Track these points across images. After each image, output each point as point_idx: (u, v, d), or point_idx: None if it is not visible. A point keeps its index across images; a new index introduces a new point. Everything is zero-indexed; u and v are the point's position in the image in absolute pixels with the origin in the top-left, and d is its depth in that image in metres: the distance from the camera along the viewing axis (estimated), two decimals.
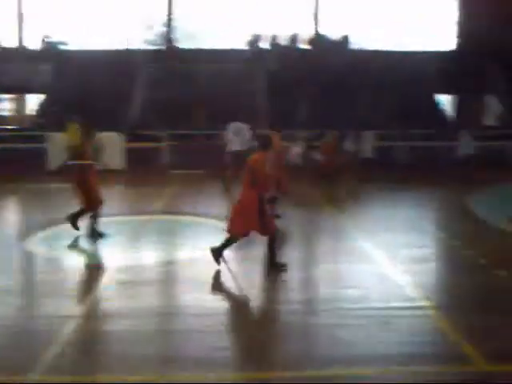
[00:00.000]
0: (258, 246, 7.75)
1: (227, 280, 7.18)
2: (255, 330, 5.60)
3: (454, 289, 7.11)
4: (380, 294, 6.60)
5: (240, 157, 12.88)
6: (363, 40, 22.65)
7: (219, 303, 6.31)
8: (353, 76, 20.56)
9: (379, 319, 5.76)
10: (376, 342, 5.24)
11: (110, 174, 16.15)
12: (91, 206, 9.02)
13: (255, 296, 6.65)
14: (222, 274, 7.34)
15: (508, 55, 20.73)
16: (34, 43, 23.55)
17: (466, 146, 16.58)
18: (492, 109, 22.62)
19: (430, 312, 6.02)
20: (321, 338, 5.45)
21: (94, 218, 9.07)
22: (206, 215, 11.00)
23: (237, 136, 13.19)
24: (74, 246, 8.77)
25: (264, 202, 7.28)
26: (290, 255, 8.32)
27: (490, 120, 23.04)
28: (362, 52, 22.16)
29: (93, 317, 5.93)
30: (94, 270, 7.66)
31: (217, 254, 7.43)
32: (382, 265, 7.86)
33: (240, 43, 22.52)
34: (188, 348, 5.15)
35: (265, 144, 7.47)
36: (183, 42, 23.17)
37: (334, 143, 15.42)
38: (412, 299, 6.41)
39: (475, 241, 9.21)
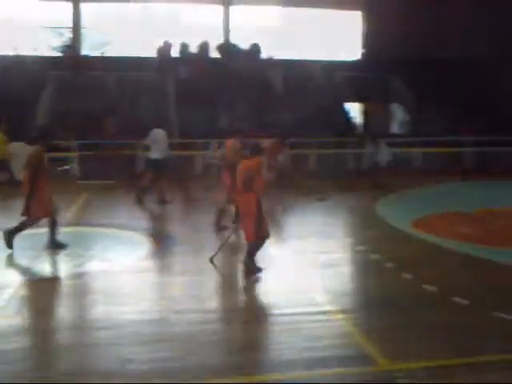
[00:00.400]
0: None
1: (140, 291, 7.10)
2: (167, 340, 5.53)
3: (360, 292, 7.34)
4: (288, 299, 6.71)
5: (159, 164, 12.78)
6: (272, 49, 22.94)
7: (130, 315, 6.18)
8: (263, 84, 20.83)
9: (287, 325, 5.85)
10: (283, 347, 5.31)
11: (17, 185, 15.62)
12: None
13: (165, 306, 6.60)
14: (133, 286, 7.26)
15: (408, 68, 21.71)
16: None
17: (385, 152, 16.98)
18: (397, 117, 23.50)
19: (337, 316, 6.17)
20: (226, 345, 5.47)
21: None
22: (116, 226, 10.83)
23: (155, 144, 12.97)
24: None
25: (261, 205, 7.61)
26: (202, 262, 8.34)
27: (395, 127, 23.92)
28: (272, 61, 22.47)
29: None
30: None
31: (252, 266, 7.57)
32: (290, 270, 8.00)
33: (150, 52, 22.26)
34: (97, 361, 5.05)
35: (257, 150, 7.91)
36: (92, 50, 22.70)
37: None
38: (319, 304, 6.55)
39: (382, 245, 9.53)
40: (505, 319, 6.01)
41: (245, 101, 20.00)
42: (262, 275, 7.60)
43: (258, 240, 7.61)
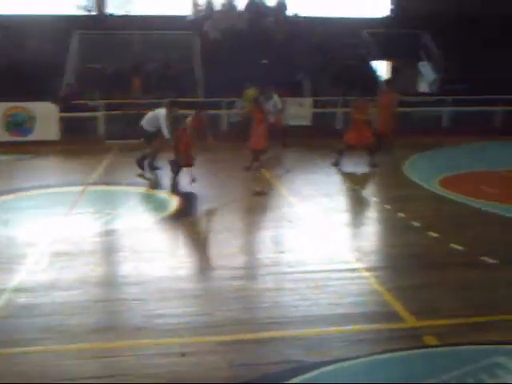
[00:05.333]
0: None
1: (165, 248, 7.20)
2: (194, 296, 5.62)
3: (387, 251, 7.34)
4: (315, 257, 6.74)
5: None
6: (299, 6, 22.52)
7: (158, 271, 6.27)
8: (290, 42, 20.54)
9: (315, 282, 5.89)
10: (311, 304, 5.36)
11: (44, 145, 15.80)
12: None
13: (193, 263, 6.69)
14: (160, 243, 7.36)
15: (439, 24, 21.17)
16: None
17: None
18: (425, 75, 23.03)
19: (363, 274, 6.19)
20: (258, 302, 5.53)
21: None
22: (143, 185, 10.93)
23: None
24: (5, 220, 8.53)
25: None
26: (228, 220, 8.41)
27: (423, 86, 23.48)
28: (299, 18, 22.10)
29: (27, 289, 5.79)
30: (29, 240, 7.46)
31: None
32: (316, 229, 8.02)
33: (175, 10, 22.03)
34: (126, 316, 5.15)
35: None
36: (116, 9, 22.51)
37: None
38: (346, 262, 6.57)
39: (409, 204, 9.49)
40: None
41: (270, 60, 19.79)
42: (289, 232, 7.63)
43: None
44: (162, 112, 11.58)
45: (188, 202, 9.76)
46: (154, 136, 11.75)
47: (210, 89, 18.20)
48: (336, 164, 12.90)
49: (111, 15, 22.06)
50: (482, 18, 21.56)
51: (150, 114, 11.97)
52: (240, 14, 21.64)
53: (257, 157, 12.35)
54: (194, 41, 20.63)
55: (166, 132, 11.33)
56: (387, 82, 16.83)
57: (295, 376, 4.02)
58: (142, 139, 12.06)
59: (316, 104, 18.90)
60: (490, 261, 6.51)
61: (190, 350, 4.50)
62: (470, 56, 20.31)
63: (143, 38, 20.44)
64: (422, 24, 21.73)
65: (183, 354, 4.38)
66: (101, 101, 17.51)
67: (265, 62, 19.88)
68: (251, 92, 16.37)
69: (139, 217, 8.74)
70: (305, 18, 22.13)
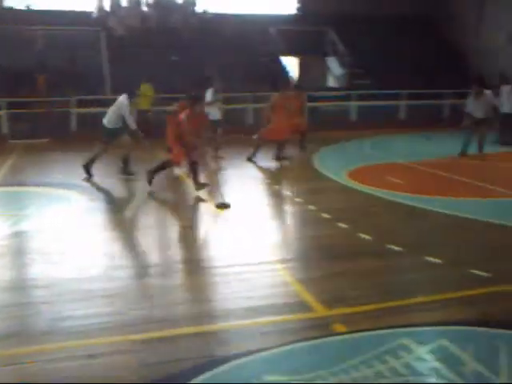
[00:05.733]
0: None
1: (75, 249, 7.01)
2: (105, 296, 5.49)
3: (298, 243, 7.48)
4: (227, 252, 6.79)
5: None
6: (209, 3, 22.49)
7: (67, 273, 6.10)
8: (199, 38, 20.49)
9: (227, 276, 5.92)
10: (223, 298, 5.39)
11: None
12: None
13: (104, 262, 6.54)
14: (69, 244, 7.17)
15: (342, 21, 21.87)
16: None
17: None
18: (333, 71, 23.58)
19: (276, 266, 6.27)
20: (171, 299, 5.48)
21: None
22: (50, 185, 10.61)
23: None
24: None
25: None
26: (140, 217, 8.31)
27: (332, 81, 24.03)
28: (208, 15, 22.09)
29: None
30: None
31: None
32: (228, 223, 8.06)
33: (79, 5, 21.42)
34: (33, 321, 4.98)
35: None
36: (16, 2, 21.59)
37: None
38: (258, 255, 6.64)
39: (319, 197, 9.69)
40: (435, 263, 6.24)
41: (179, 57, 19.66)
42: (204, 228, 7.63)
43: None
44: (122, 101, 10.86)
45: (99, 200, 9.57)
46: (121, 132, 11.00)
47: (117, 86, 17.84)
48: (251, 159, 13.01)
49: (10, 8, 21.12)
50: (380, 17, 22.58)
51: (111, 108, 11.15)
52: (147, 10, 21.37)
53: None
54: (101, 37, 20.17)
55: (131, 122, 10.67)
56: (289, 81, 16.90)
57: (206, 371, 4.02)
58: (106, 140, 11.15)
59: (227, 101, 18.94)
60: (396, 248, 6.75)
61: (100, 351, 4.40)
62: (370, 52, 21.16)
63: (47, 34, 19.77)
64: (327, 21, 22.30)
65: (91, 356, 4.28)
66: (3, 99, 16.84)
67: (174, 58, 19.72)
68: (145, 87, 16.28)
69: (46, 218, 8.47)
70: (214, 14, 22.16)
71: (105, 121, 11.11)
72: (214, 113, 13.33)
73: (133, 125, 10.77)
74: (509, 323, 4.78)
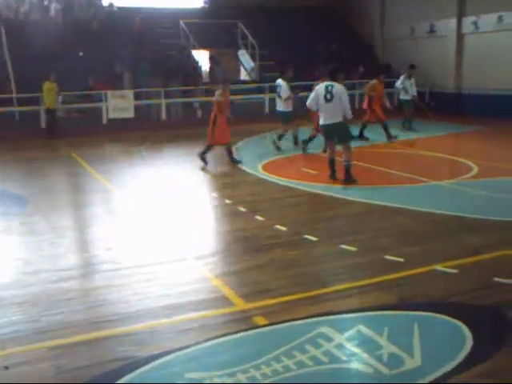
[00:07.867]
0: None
1: None
2: (17, 304, 5.26)
3: (215, 238, 7.46)
4: (144, 250, 6.72)
5: None
6: None
7: None
8: (106, 33, 20.03)
9: (144, 276, 5.83)
10: (141, 298, 5.29)
11: None
12: None
13: (15, 268, 6.27)
14: None
15: (250, 14, 22.05)
16: None
17: None
18: (245, 64, 23.61)
19: (193, 263, 6.24)
20: (87, 302, 5.34)
21: None
22: None
23: None
24: None
25: None
26: (51, 220, 8.04)
27: (244, 74, 24.08)
28: (114, 8, 21.65)
29: None
30: None
31: None
32: (142, 222, 7.95)
33: None
34: None
35: None
36: None
37: None
38: (175, 252, 6.59)
39: (235, 190, 9.70)
40: (350, 251, 6.39)
41: (87, 52, 19.12)
42: (115, 228, 7.46)
43: None
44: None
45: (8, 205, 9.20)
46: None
47: (23, 83, 17.15)
48: (203, 157, 12.17)
49: None
50: (286, 9, 22.97)
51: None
52: (50, 5, 20.67)
53: None
54: (1, 33, 19.27)
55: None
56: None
57: (127, 374, 3.94)
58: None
59: (138, 96, 18.66)
60: (312, 238, 6.87)
61: (16, 360, 4.23)
62: (278, 44, 21.47)
63: None
64: (236, 14, 22.36)
65: (6, 367, 4.10)
66: None
67: (81, 54, 19.17)
68: (47, 85, 16.38)
69: None
70: (120, 8, 21.75)
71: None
72: None
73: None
74: (421, 305, 4.97)
